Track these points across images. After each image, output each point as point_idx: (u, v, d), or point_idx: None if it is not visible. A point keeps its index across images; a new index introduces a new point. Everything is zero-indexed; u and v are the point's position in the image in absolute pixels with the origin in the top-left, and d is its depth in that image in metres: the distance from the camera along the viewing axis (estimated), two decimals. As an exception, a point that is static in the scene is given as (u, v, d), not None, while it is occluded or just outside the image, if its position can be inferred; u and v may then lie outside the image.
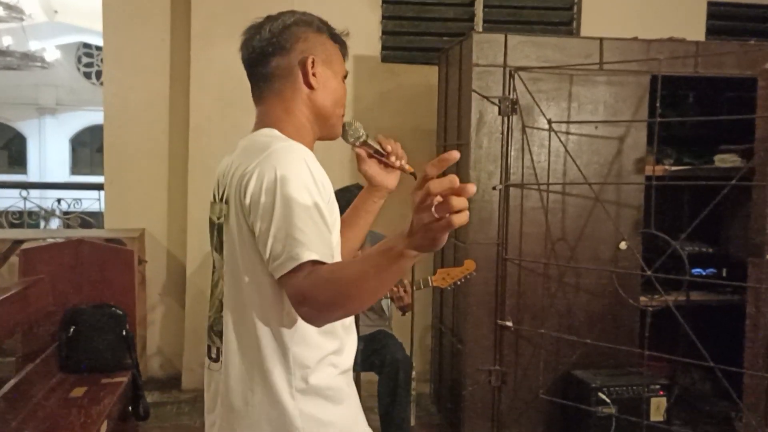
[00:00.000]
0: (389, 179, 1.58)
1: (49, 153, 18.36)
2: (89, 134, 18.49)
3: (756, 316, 3.28)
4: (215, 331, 1.41)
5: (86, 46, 17.36)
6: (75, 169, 18.61)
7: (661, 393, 3.47)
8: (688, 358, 3.41)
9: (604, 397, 3.37)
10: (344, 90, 1.50)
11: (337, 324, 1.36)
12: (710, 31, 4.76)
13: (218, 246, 1.41)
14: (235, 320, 1.35)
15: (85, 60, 17.91)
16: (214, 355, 1.43)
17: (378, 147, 1.53)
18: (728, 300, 3.84)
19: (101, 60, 17.16)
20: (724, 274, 3.85)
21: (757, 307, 3.28)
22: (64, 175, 18.04)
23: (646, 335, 3.25)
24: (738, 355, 3.33)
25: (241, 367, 1.33)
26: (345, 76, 1.51)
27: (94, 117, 17.33)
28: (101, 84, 17.71)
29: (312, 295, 1.18)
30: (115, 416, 3.00)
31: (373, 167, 1.56)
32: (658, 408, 3.46)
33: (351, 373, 1.45)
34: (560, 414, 3.60)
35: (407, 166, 1.56)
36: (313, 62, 1.42)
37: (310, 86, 1.43)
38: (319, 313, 1.20)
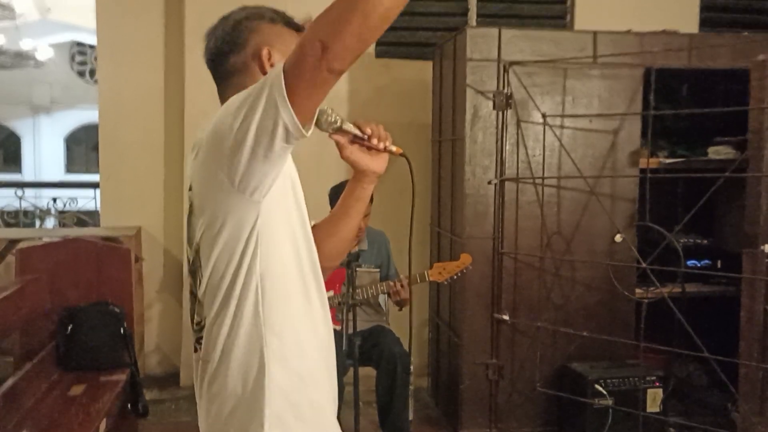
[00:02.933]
0: (375, 163, 1.49)
1: (43, 152, 18.30)
2: (84, 132, 18.43)
3: (751, 307, 3.31)
4: (194, 321, 1.43)
5: (80, 44, 17.30)
6: (70, 167, 18.55)
7: (657, 384, 3.50)
8: (682, 349, 3.44)
9: (600, 389, 3.39)
10: None
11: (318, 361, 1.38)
12: (704, 24, 4.76)
13: (189, 237, 1.41)
14: (209, 312, 1.35)
15: (78, 58, 17.84)
16: (194, 346, 1.44)
17: (356, 131, 1.44)
18: (722, 291, 3.85)
19: (95, 58, 17.17)
20: (719, 265, 3.87)
21: (751, 298, 3.31)
22: (59, 173, 17.97)
23: (642, 327, 3.27)
24: (732, 346, 3.35)
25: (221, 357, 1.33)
26: None
27: (88, 115, 17.26)
28: (95, 82, 17.66)
29: (316, 32, 1.13)
30: (114, 414, 3.02)
31: (355, 153, 1.46)
32: (654, 399, 3.48)
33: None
34: (557, 406, 3.63)
35: (393, 147, 1.48)
36: (269, 53, 1.40)
37: None
38: (336, 40, 1.12)
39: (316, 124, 1.40)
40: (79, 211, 6.99)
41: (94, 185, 6.09)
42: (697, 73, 3.88)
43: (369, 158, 1.48)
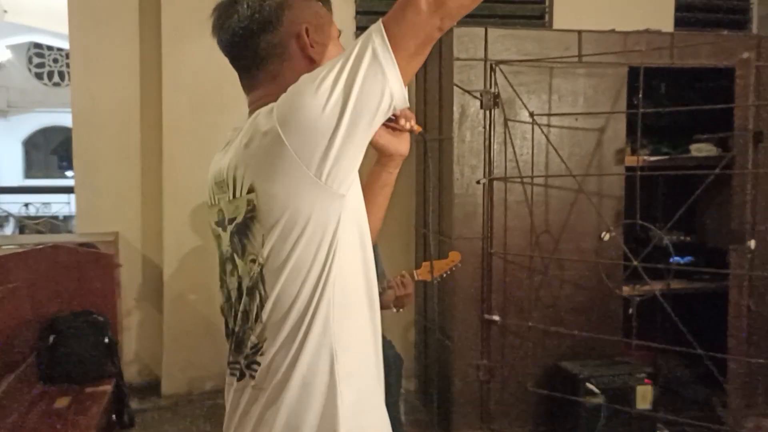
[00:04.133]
0: (402, 145, 1.38)
1: (1, 156, 17.83)
2: (42, 136, 17.99)
3: (738, 303, 3.35)
4: (245, 345, 1.24)
5: (37, 46, 16.87)
6: (29, 172, 18.10)
7: (647, 381, 3.51)
8: (667, 345, 3.47)
9: (592, 387, 3.40)
10: (343, 51, 1.26)
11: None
12: (678, 23, 4.83)
13: (240, 249, 1.22)
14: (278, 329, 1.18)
15: (36, 60, 17.41)
16: (237, 372, 1.26)
17: None
18: (706, 288, 3.91)
19: (54, 60, 16.76)
20: (702, 262, 3.91)
21: (739, 293, 3.35)
22: (17, 178, 17.53)
23: (633, 324, 3.28)
24: (717, 342, 3.39)
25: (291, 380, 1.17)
26: (339, 35, 1.34)
27: (47, 118, 16.87)
28: (54, 85, 17.16)
29: None
30: (102, 426, 2.92)
31: (384, 135, 1.34)
32: (644, 396, 3.50)
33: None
34: (549, 406, 3.62)
35: (416, 126, 1.39)
36: (307, 31, 1.24)
37: (311, 59, 1.25)
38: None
39: None
40: (38, 217, 6.79)
41: (65, 190, 5.93)
42: (676, 72, 3.92)
43: (396, 140, 1.37)
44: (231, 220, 1.23)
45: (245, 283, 1.22)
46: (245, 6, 1.23)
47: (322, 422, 1.17)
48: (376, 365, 1.28)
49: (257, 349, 1.20)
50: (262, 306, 1.18)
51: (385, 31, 1.06)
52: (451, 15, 1.06)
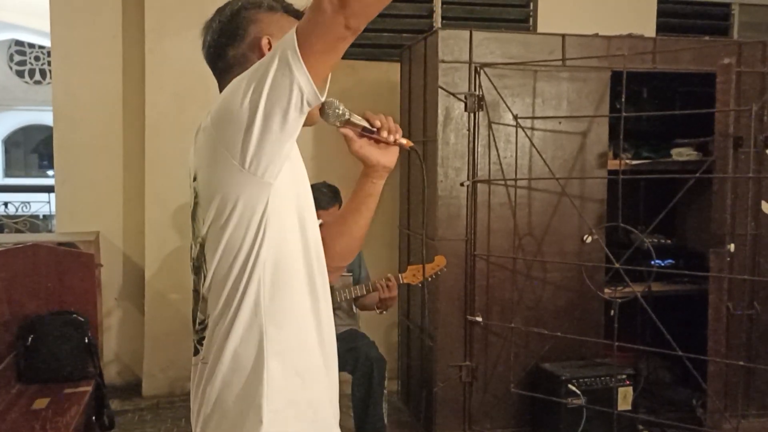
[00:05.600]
0: (386, 157, 1.43)
1: (-21, 155, 17.59)
2: (23, 135, 17.76)
3: (718, 306, 3.39)
4: (196, 321, 1.35)
5: (18, 43, 16.68)
6: (8, 171, 17.88)
7: (628, 383, 3.55)
8: (648, 347, 3.50)
9: (573, 388, 3.42)
10: None
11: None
12: (660, 29, 4.88)
13: (193, 233, 1.34)
14: (213, 306, 1.28)
15: (17, 58, 17.20)
16: (194, 349, 1.36)
17: (365, 124, 1.38)
18: (685, 290, 3.94)
19: (35, 58, 16.57)
20: (683, 264, 3.95)
21: (719, 296, 3.38)
22: (-4, 177, 17.31)
23: (615, 326, 3.30)
24: (697, 344, 3.43)
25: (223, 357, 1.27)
26: None
27: (27, 117, 16.65)
28: (35, 83, 16.98)
29: None
30: (81, 427, 2.89)
31: (365, 147, 1.40)
32: (625, 397, 3.53)
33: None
34: (531, 407, 3.64)
35: (404, 140, 1.42)
36: (269, 42, 1.33)
37: None
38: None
39: (323, 117, 1.36)
40: (15, 216, 6.70)
41: (37, 189, 5.86)
42: (658, 76, 3.95)
43: (379, 152, 1.42)
44: (191, 207, 1.35)
45: (194, 264, 1.34)
46: (218, 21, 1.38)
47: (246, 392, 1.24)
48: (320, 349, 1.33)
49: (204, 324, 1.31)
50: (203, 283, 1.30)
51: (296, 32, 1.13)
52: (356, 14, 1.10)
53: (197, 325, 1.33)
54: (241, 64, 1.34)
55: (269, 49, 1.31)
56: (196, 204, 1.30)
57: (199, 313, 1.32)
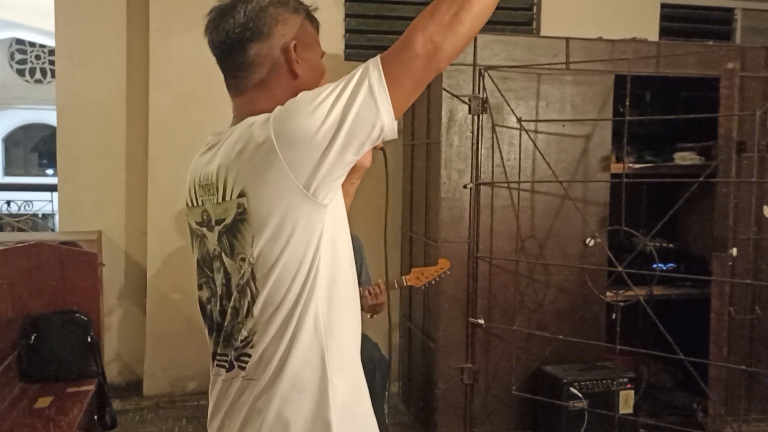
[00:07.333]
0: (363, 157, 1.36)
1: (-21, 153, 17.58)
2: (23, 133, 17.75)
3: (720, 310, 3.39)
4: (234, 338, 1.29)
5: (20, 42, 16.68)
6: (8, 169, 17.87)
7: (629, 386, 3.55)
8: (650, 350, 3.50)
9: (575, 391, 3.42)
10: (325, 72, 1.39)
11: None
12: (663, 33, 4.88)
13: (228, 249, 1.27)
14: (269, 322, 1.24)
15: (18, 56, 17.21)
16: (227, 364, 1.32)
17: None
18: (687, 294, 3.95)
19: (36, 57, 16.57)
20: (685, 268, 3.96)
21: (721, 300, 3.39)
22: (-5, 176, 17.30)
23: (616, 329, 3.30)
24: (698, 348, 3.43)
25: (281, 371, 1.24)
26: (322, 56, 1.41)
27: (28, 115, 16.65)
28: (36, 82, 16.97)
29: (427, 30, 1.14)
30: (83, 426, 2.89)
31: None
32: (626, 401, 3.53)
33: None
34: (532, 409, 3.64)
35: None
36: (295, 48, 1.31)
37: (294, 74, 1.32)
38: (449, 40, 1.14)
39: None
40: (18, 215, 6.70)
41: (38, 187, 5.85)
42: (661, 80, 3.96)
43: None
44: (219, 221, 1.29)
45: (235, 281, 1.28)
46: (242, 13, 1.30)
47: (315, 413, 1.23)
48: (359, 361, 1.35)
49: (247, 342, 1.26)
50: (253, 302, 1.24)
51: (382, 67, 1.14)
52: (447, 58, 1.14)
53: (238, 342, 1.28)
54: (265, 65, 1.31)
55: (295, 53, 1.31)
56: (242, 220, 1.23)
57: (243, 330, 1.27)
